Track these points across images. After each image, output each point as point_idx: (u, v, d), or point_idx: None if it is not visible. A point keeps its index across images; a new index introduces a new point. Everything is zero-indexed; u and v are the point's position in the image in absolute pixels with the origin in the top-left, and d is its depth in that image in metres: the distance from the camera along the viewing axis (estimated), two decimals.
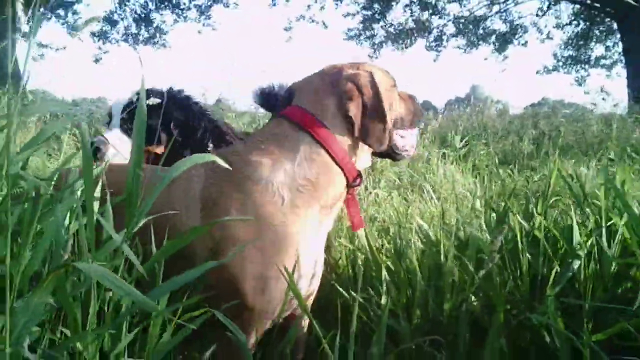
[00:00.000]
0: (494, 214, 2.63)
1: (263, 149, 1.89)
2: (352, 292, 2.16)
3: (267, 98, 2.97)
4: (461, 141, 8.37)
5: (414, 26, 24.69)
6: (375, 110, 1.92)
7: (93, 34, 25.22)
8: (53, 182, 1.55)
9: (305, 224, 1.86)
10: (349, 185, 1.98)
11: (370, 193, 5.08)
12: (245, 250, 1.73)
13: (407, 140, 2.17)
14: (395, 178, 6.19)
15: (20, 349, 1.15)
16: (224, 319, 1.52)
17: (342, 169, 1.92)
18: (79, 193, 1.51)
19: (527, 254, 2.11)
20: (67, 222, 1.42)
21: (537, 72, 26.87)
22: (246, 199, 1.80)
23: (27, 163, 1.70)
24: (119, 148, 3.13)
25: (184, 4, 25.40)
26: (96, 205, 1.45)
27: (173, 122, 3.27)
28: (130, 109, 3.25)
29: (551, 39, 25.60)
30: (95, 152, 3.15)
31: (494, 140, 9.31)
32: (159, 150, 3.24)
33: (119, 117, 3.34)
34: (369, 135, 1.92)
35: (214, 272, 1.57)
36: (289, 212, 1.81)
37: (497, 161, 7.30)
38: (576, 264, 2.01)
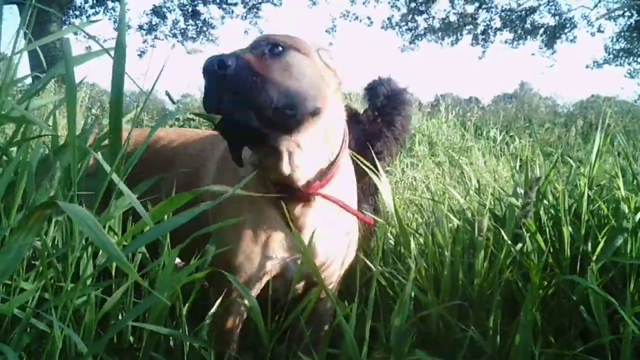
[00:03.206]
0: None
1: None
2: (374, 263, 2.05)
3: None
4: (502, 133, 8.19)
5: (459, 20, 24.27)
6: None
7: (141, 27, 25.48)
8: None
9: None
10: None
11: (408, 177, 4.98)
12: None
13: None
14: (434, 166, 6.08)
15: None
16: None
17: None
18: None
19: (569, 227, 1.97)
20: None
21: (587, 67, 26.11)
22: None
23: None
24: None
25: None
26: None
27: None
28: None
29: (602, 32, 24.83)
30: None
31: (539, 132, 9.05)
32: None
33: None
34: None
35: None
36: None
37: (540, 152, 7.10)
38: (620, 239, 1.86)
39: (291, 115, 1.55)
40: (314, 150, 1.70)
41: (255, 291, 1.90)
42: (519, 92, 35.54)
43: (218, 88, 1.48)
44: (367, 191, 2.94)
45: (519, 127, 9.22)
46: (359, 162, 2.11)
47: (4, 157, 1.72)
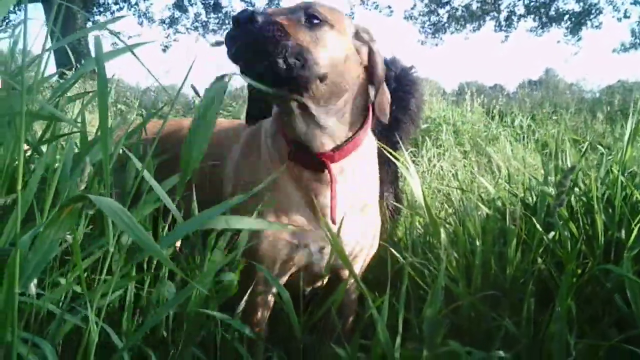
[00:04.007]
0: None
1: None
2: (405, 254, 2.04)
3: None
4: (527, 120, 8.10)
5: (481, 8, 24.00)
6: None
7: (162, 22, 25.61)
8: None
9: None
10: None
11: (435, 166, 4.96)
12: None
13: None
14: (461, 156, 6.04)
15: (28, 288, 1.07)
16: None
17: None
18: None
19: (603, 215, 1.93)
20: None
21: (614, 51, 25.70)
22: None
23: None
24: None
25: None
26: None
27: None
28: None
29: (628, 17, 24.41)
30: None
31: (565, 118, 8.93)
32: None
33: None
34: None
35: None
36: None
37: (566, 139, 7.01)
38: None
39: (300, 72, 1.62)
40: (327, 118, 1.77)
41: (281, 281, 1.91)
42: (544, 78, 35.15)
43: (241, 37, 1.57)
44: (386, 179, 2.92)
45: (544, 114, 9.10)
46: (383, 150, 2.11)
47: (36, 154, 1.74)
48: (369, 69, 1.83)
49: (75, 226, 1.19)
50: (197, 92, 1.61)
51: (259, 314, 1.95)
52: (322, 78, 1.67)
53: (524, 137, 7.36)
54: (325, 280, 2.02)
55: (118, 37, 1.80)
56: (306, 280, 1.98)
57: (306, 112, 1.73)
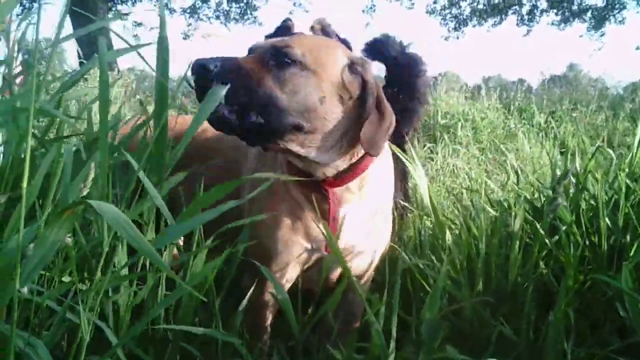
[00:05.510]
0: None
1: None
2: (411, 256, 2.04)
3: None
4: (547, 117, 8.03)
5: (503, 1, 23.76)
6: None
7: (184, 11, 25.64)
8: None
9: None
10: None
11: (449, 164, 4.94)
12: None
13: None
14: (478, 153, 6.00)
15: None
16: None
17: None
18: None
19: (607, 220, 1.92)
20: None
21: (638, 48, 25.32)
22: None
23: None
24: None
25: None
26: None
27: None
28: None
29: None
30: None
31: (586, 115, 8.82)
32: None
33: None
34: None
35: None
36: None
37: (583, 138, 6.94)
38: None
39: (267, 127, 1.58)
40: (320, 155, 1.71)
41: (291, 280, 1.94)
42: (567, 73, 34.78)
43: (198, 90, 1.53)
44: (396, 177, 2.91)
45: (564, 110, 9.00)
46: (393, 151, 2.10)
47: (42, 150, 1.76)
48: (362, 101, 1.71)
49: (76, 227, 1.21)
50: (191, 86, 1.60)
51: (263, 312, 1.97)
52: (298, 127, 1.62)
53: (545, 134, 7.29)
54: (336, 280, 2.02)
55: (120, 38, 1.79)
56: (316, 280, 1.99)
57: (294, 153, 1.70)
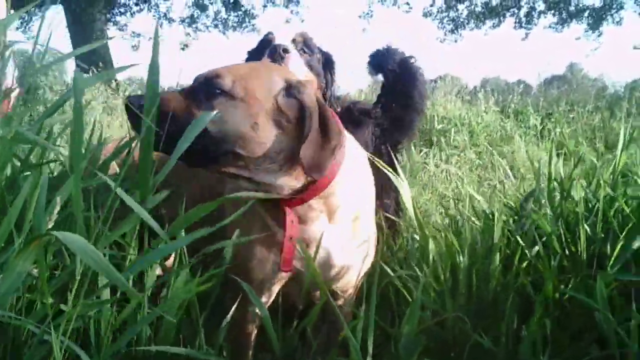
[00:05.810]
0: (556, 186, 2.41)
1: None
2: (396, 268, 2.06)
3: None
4: (543, 119, 8.04)
5: (501, 4, 23.78)
6: None
7: (182, 20, 25.69)
8: None
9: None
10: None
11: (442, 171, 4.95)
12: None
13: None
14: (475, 158, 6.01)
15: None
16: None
17: None
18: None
19: (586, 227, 1.93)
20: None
21: (635, 47, 25.24)
22: None
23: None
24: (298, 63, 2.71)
25: None
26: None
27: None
28: None
29: None
30: (274, 50, 2.62)
31: (582, 116, 8.83)
32: None
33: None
34: None
35: None
36: None
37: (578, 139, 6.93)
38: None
39: (202, 155, 1.64)
40: (267, 176, 1.73)
41: (268, 296, 1.96)
42: (567, 73, 34.76)
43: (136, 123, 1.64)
44: (388, 186, 2.91)
45: (561, 112, 9.00)
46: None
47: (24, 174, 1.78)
48: (300, 124, 1.69)
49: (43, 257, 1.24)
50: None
51: (246, 327, 1.99)
52: (234, 153, 1.65)
53: (538, 137, 7.30)
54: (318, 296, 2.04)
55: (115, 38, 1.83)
56: (298, 295, 2.01)
57: (240, 176, 1.73)
